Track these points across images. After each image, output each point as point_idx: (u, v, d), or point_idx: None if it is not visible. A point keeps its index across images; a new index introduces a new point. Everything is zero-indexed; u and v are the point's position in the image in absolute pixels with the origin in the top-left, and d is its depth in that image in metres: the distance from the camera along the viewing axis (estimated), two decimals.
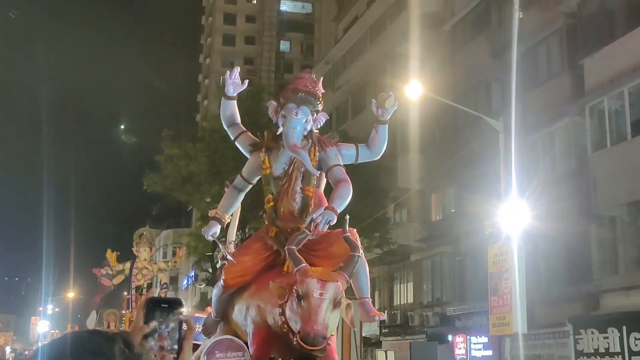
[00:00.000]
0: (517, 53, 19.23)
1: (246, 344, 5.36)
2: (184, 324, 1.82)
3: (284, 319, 4.79)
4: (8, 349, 61.97)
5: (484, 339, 20.12)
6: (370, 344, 25.07)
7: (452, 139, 24.07)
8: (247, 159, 5.88)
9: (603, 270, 17.40)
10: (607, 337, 16.19)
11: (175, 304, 1.84)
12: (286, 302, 4.73)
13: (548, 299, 18.17)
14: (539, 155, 19.66)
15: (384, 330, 25.75)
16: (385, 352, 20.18)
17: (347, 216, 5.03)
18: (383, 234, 24.39)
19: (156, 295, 16.61)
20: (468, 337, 21.16)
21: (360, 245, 5.00)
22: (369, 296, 5.39)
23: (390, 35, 29.12)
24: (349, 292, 4.94)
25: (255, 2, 62.94)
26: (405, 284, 26.90)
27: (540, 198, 16.97)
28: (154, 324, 1.78)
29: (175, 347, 1.78)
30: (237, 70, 5.73)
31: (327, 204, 5.18)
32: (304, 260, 4.77)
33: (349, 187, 5.22)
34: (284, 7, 62.41)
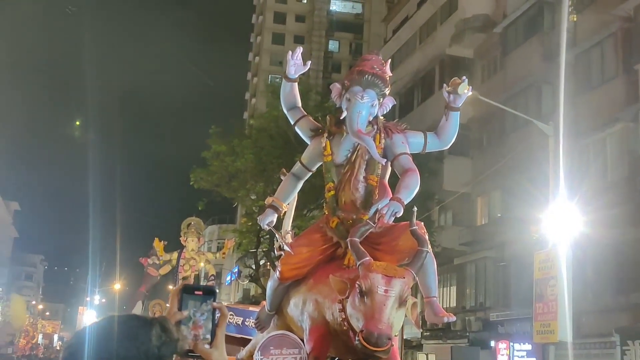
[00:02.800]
0: (571, 56, 18.86)
1: (302, 340, 5.09)
2: (217, 311, 1.80)
3: (344, 316, 4.50)
4: (56, 337, 63.52)
5: (528, 346, 19.80)
6: (411, 346, 24.94)
7: (500, 142, 23.76)
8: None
9: None
10: None
11: (209, 291, 1.82)
12: (347, 297, 4.43)
13: (595, 308, 17.79)
14: (589, 161, 19.26)
15: (425, 334, 25.55)
16: (427, 355, 20.11)
17: (415, 208, 4.70)
18: None
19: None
20: (511, 343, 20.85)
21: (428, 240, 4.67)
22: (437, 295, 5.02)
23: (440, 37, 28.88)
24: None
25: (305, 1, 63.14)
26: (448, 288, 26.65)
27: (590, 204, 16.62)
28: (187, 312, 1.76)
29: (208, 336, 1.77)
30: (299, 50, 5.32)
31: (392, 195, 4.86)
32: (367, 254, 4.46)
33: (416, 177, 4.88)
34: (333, 7, 62.42)
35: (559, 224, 15.21)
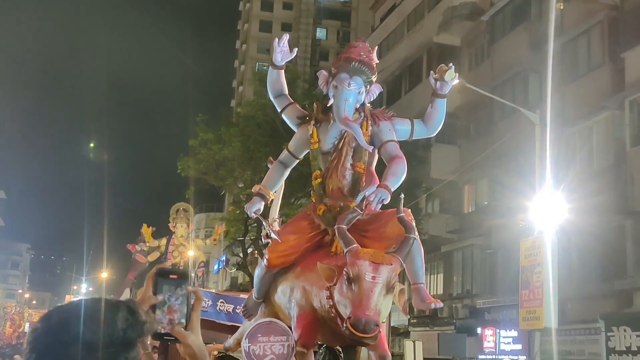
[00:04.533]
0: (557, 45, 18.91)
1: (290, 327, 5.08)
2: (192, 295, 1.78)
3: (331, 303, 4.50)
4: None
5: (514, 333, 19.96)
6: (399, 333, 25.06)
7: (487, 130, 23.84)
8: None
9: (638, 267, 17.13)
10: (639, 335, 15.95)
11: (183, 275, 1.80)
12: (335, 284, 4.43)
13: (580, 295, 17.95)
14: (575, 149, 19.37)
15: (412, 321, 25.70)
16: (414, 342, 20.16)
17: (402, 195, 4.69)
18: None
19: (192, 273, 16.27)
20: (497, 330, 21.02)
21: (415, 227, 4.67)
22: (424, 282, 5.03)
23: (428, 25, 28.86)
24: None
25: None
26: (435, 275, 26.79)
27: (576, 192, 16.73)
28: (161, 296, 1.75)
29: (183, 321, 1.75)
30: (285, 37, 5.31)
31: (379, 182, 4.87)
32: (355, 241, 4.46)
33: (403, 164, 4.88)
34: None
35: (545, 211, 15.30)
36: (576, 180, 17.30)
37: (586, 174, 18.16)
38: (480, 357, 21.58)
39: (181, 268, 14.81)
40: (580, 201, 16.58)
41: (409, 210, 4.84)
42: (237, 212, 25.59)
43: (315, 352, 5.16)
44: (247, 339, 5.13)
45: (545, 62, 17.77)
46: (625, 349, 16.11)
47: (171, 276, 1.79)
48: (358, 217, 4.71)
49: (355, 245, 4.43)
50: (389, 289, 4.31)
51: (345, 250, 4.46)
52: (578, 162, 18.71)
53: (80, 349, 1.37)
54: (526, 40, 22.40)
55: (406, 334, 25.39)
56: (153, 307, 1.74)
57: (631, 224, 17.37)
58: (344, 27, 61.01)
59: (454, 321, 24.18)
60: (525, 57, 22.17)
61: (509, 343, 20.53)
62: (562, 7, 20.66)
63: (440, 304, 4.98)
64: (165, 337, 1.76)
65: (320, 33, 61.46)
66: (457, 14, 26.85)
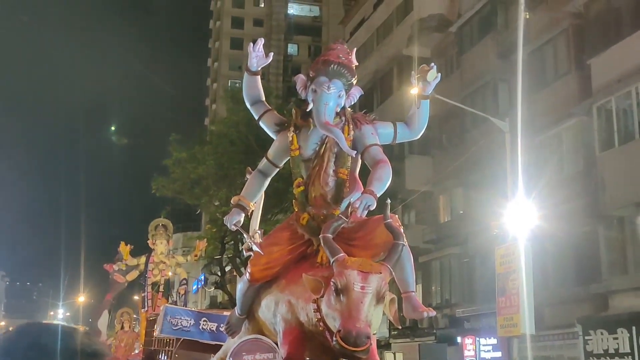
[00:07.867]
0: (524, 54, 19.18)
1: (276, 344, 4.91)
2: None
3: (319, 316, 4.27)
4: None
5: (493, 341, 20.08)
6: (379, 346, 25.05)
7: (459, 140, 24.05)
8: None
9: (612, 270, 17.34)
10: (616, 338, 16.13)
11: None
12: (322, 296, 4.19)
13: (557, 300, 18.12)
14: (546, 156, 19.62)
15: (392, 332, 25.72)
16: (394, 354, 20.22)
17: (389, 200, 4.52)
18: None
19: (174, 291, 15.79)
20: (477, 338, 21.12)
21: (403, 233, 4.49)
22: (415, 290, 4.81)
23: (397, 38, 29.14)
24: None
25: (262, 5, 63.03)
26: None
27: (548, 198, 16.94)
28: None
29: None
30: (261, 42, 5.08)
31: (363, 188, 4.65)
32: (341, 250, 4.25)
33: (388, 168, 4.70)
34: (291, 11, 62.43)
35: (517, 219, 15.45)
36: (548, 187, 17.52)
37: (557, 180, 18.40)
38: None
39: (162, 286, 14.43)
40: (553, 207, 16.78)
41: (396, 216, 4.70)
42: (214, 230, 25.48)
43: None
44: (231, 358, 4.99)
45: (513, 71, 18.01)
46: (603, 352, 16.30)
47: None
48: (343, 225, 4.53)
49: (342, 254, 4.22)
50: (380, 298, 4.11)
51: (331, 260, 4.25)
52: (549, 169, 18.94)
53: None
54: (494, 50, 22.72)
55: (387, 346, 25.41)
56: None
57: (603, 228, 17.59)
58: (315, 42, 61.30)
59: (434, 331, 24.23)
60: (493, 66, 22.47)
61: (489, 351, 20.64)
62: (527, 17, 20.99)
63: (433, 312, 4.76)
64: None
65: (292, 49, 61.69)
66: (426, 26, 27.16)
